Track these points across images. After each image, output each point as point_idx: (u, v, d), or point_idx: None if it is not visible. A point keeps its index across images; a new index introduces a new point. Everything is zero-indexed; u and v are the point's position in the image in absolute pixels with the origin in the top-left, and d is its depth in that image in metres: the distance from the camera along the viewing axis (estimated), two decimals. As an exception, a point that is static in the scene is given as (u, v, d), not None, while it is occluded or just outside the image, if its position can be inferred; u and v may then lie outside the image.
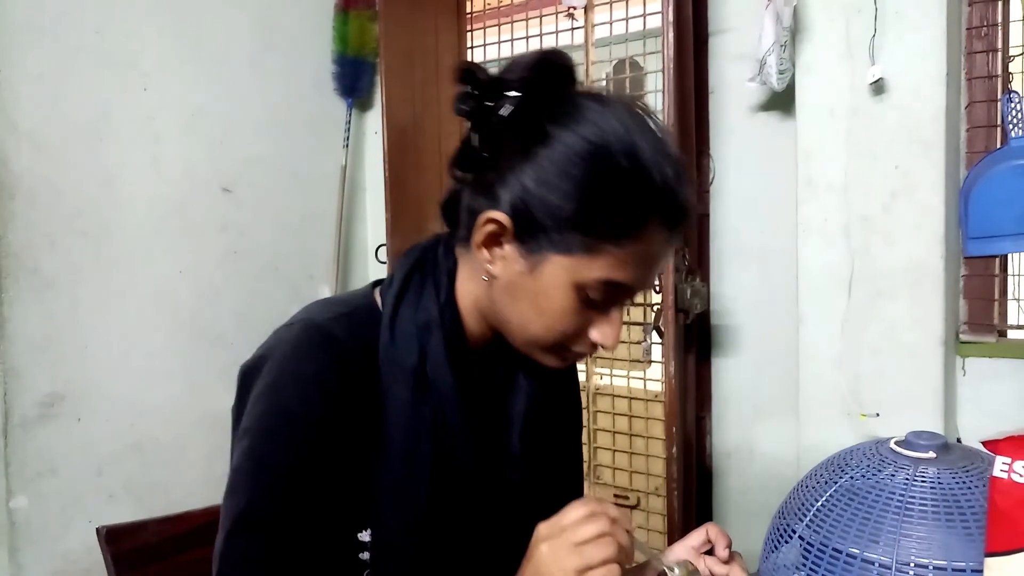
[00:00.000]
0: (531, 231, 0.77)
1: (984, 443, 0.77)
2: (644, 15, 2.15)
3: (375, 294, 0.88)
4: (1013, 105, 1.54)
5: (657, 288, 1.89)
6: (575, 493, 1.02)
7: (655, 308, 2.03)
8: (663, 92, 1.82)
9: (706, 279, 1.95)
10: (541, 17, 2.35)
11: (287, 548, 0.76)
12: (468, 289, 0.85)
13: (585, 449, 1.34)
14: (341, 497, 0.79)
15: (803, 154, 1.67)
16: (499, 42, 2.47)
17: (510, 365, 0.89)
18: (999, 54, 1.61)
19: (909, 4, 1.53)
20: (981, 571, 0.73)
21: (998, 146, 1.59)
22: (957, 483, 0.79)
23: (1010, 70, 1.61)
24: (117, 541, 1.04)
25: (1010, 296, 1.66)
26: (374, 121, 2.49)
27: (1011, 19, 1.60)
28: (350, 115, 2.44)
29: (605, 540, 0.70)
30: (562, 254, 0.76)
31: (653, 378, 2.16)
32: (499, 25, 2.47)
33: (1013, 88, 1.59)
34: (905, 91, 1.54)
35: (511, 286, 0.80)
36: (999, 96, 1.59)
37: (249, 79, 2.24)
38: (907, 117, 1.54)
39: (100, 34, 1.95)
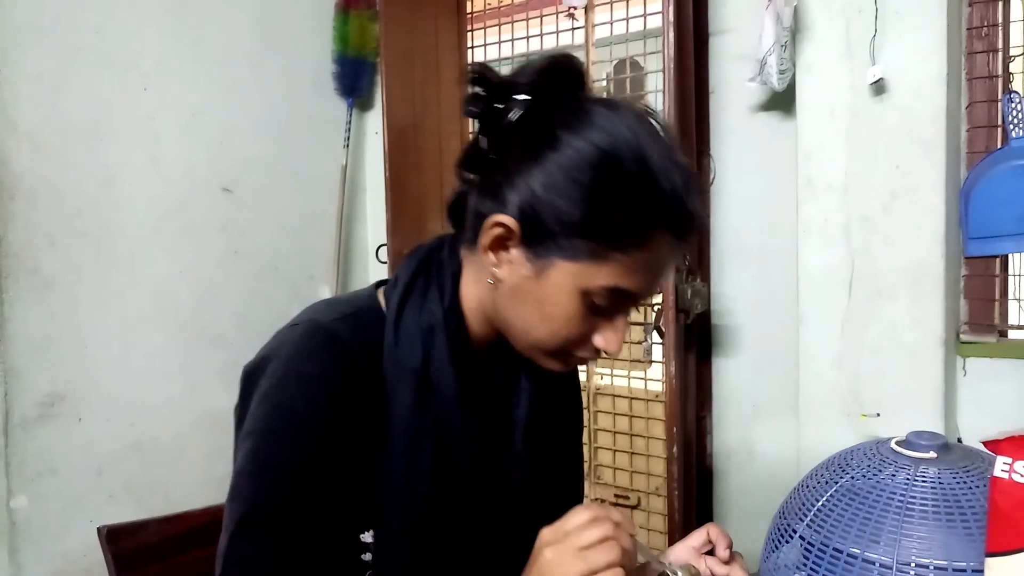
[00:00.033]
0: (538, 236, 0.76)
1: (985, 443, 0.77)
2: (644, 15, 2.15)
3: (379, 295, 0.87)
4: (1014, 105, 1.54)
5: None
6: (576, 494, 1.02)
7: (655, 308, 2.03)
8: (663, 92, 1.82)
9: (706, 279, 1.95)
10: (541, 17, 2.35)
11: (291, 549, 0.76)
12: (472, 291, 0.85)
13: (585, 449, 1.34)
14: (344, 498, 0.79)
15: (803, 154, 1.67)
16: (499, 42, 2.47)
17: (512, 367, 0.89)
18: (999, 54, 1.61)
19: (909, 4, 1.53)
20: (982, 571, 0.73)
21: (998, 146, 1.59)
22: (958, 483, 0.79)
23: (1010, 70, 1.61)
24: (117, 541, 1.04)
25: (1010, 296, 1.66)
26: (374, 121, 2.49)
27: (1011, 19, 1.60)
28: (350, 115, 2.44)
29: (609, 544, 0.70)
30: (569, 260, 0.76)
31: (653, 378, 2.16)
32: (499, 25, 2.47)
33: (1013, 88, 1.59)
34: (905, 91, 1.54)
35: (516, 290, 0.79)
36: (999, 96, 1.59)
37: (249, 79, 2.24)
38: (907, 117, 1.54)
39: (100, 34, 1.95)
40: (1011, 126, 1.54)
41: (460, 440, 0.83)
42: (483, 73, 0.79)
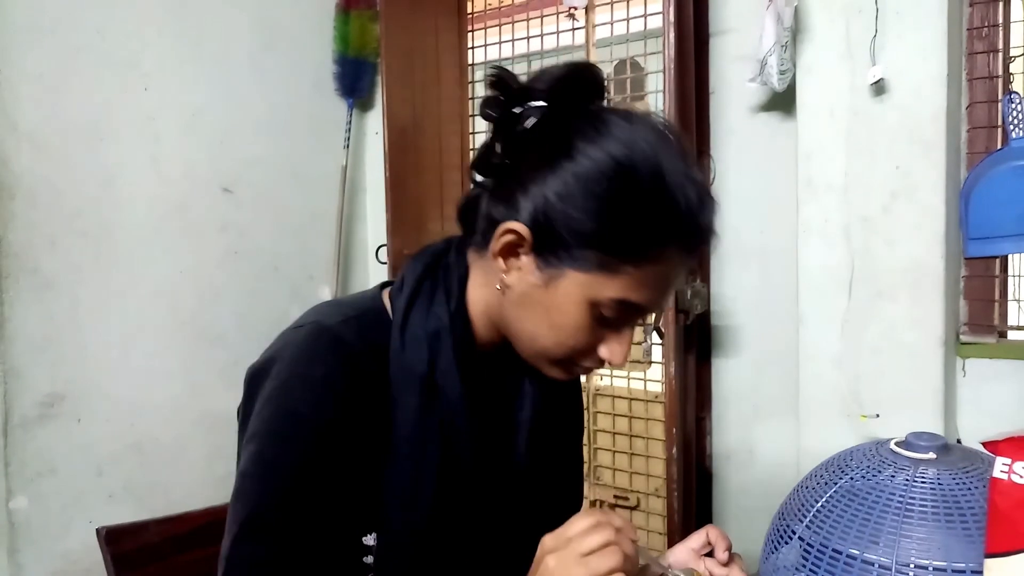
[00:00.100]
0: (550, 245, 0.76)
1: (984, 444, 0.77)
2: (645, 15, 2.15)
3: (383, 297, 0.87)
4: (1014, 106, 1.54)
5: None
6: (576, 498, 1.02)
7: (655, 308, 2.03)
8: (664, 93, 1.82)
9: (706, 280, 1.95)
10: (542, 17, 2.35)
11: (294, 551, 0.76)
12: (479, 295, 0.84)
13: (585, 450, 1.34)
14: (348, 500, 0.79)
15: (803, 154, 1.67)
16: (500, 42, 2.47)
17: (516, 370, 0.89)
18: (1000, 55, 1.61)
19: (910, 4, 1.53)
20: (981, 572, 0.73)
21: (999, 147, 1.59)
22: (957, 484, 0.79)
23: (1011, 71, 1.61)
24: (117, 541, 1.04)
25: (1010, 297, 1.66)
26: (375, 121, 2.49)
27: (1012, 20, 1.60)
28: (351, 115, 2.44)
29: (611, 550, 0.70)
30: (579, 270, 0.76)
31: (653, 379, 2.16)
32: (500, 25, 2.47)
33: (1014, 89, 1.58)
34: (906, 92, 1.54)
35: (525, 298, 0.79)
36: (1000, 97, 1.59)
37: (249, 79, 2.24)
38: (908, 118, 1.54)
39: (100, 34, 1.95)
40: (1011, 127, 1.54)
41: (464, 443, 0.83)
42: (501, 77, 0.79)
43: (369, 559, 0.81)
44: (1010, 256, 1.65)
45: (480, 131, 2.52)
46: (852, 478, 0.84)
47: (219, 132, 2.17)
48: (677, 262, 0.78)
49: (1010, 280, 1.67)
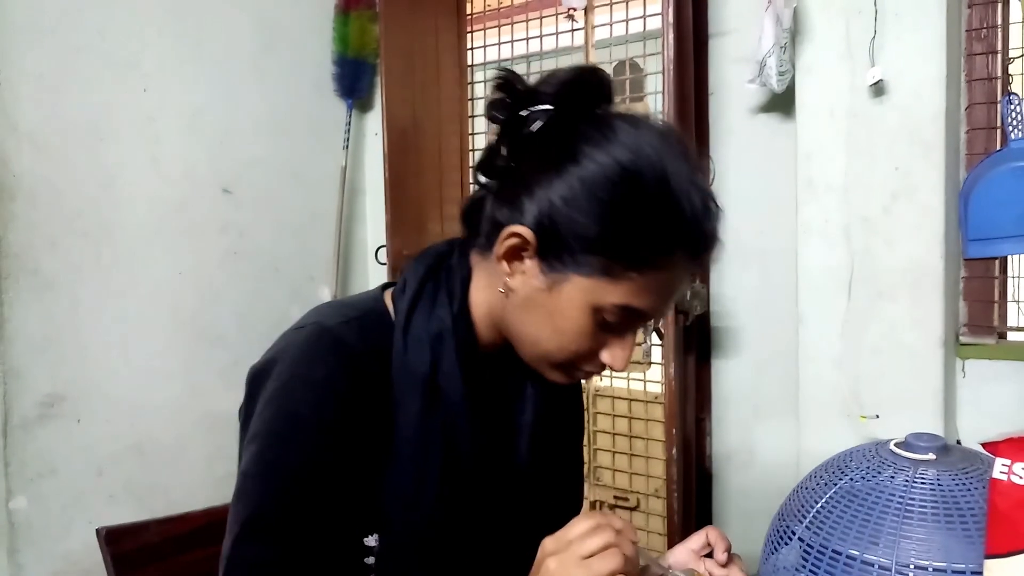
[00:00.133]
0: (555, 249, 0.76)
1: (984, 445, 0.77)
2: (644, 17, 2.15)
3: (385, 298, 0.87)
4: (1013, 107, 1.54)
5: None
6: (576, 499, 1.02)
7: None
8: (663, 94, 1.82)
9: (706, 280, 1.95)
10: (541, 18, 2.35)
11: (295, 552, 0.76)
12: (482, 297, 0.84)
13: (585, 451, 1.34)
14: (349, 501, 0.79)
15: (803, 155, 1.67)
16: (499, 43, 2.47)
17: (518, 373, 0.89)
18: (999, 56, 1.61)
19: (909, 6, 1.53)
20: (981, 573, 0.73)
21: (998, 148, 1.60)
22: (957, 485, 0.80)
23: (1010, 72, 1.61)
24: (117, 542, 1.03)
25: (1010, 298, 1.66)
26: (374, 122, 2.49)
27: (1011, 21, 1.60)
28: (350, 116, 2.44)
29: (611, 552, 0.70)
30: (583, 275, 0.76)
31: (653, 380, 2.16)
32: (499, 26, 2.47)
33: (1013, 90, 1.59)
34: (905, 92, 1.54)
35: (528, 301, 0.79)
36: (999, 98, 1.59)
37: (249, 80, 2.24)
38: (907, 118, 1.55)
39: (100, 34, 1.95)
40: (1010, 128, 1.54)
41: (466, 445, 0.83)
42: (508, 79, 0.79)
43: (370, 560, 0.81)
44: (1010, 257, 1.65)
45: (480, 132, 2.52)
46: (852, 479, 0.84)
47: (219, 133, 2.17)
48: (681, 269, 0.78)
49: (1010, 281, 1.67)
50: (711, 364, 1.99)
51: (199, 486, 2.04)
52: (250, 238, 2.24)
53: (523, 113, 0.78)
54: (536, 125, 0.77)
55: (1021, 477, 0.72)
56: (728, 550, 0.92)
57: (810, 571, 0.80)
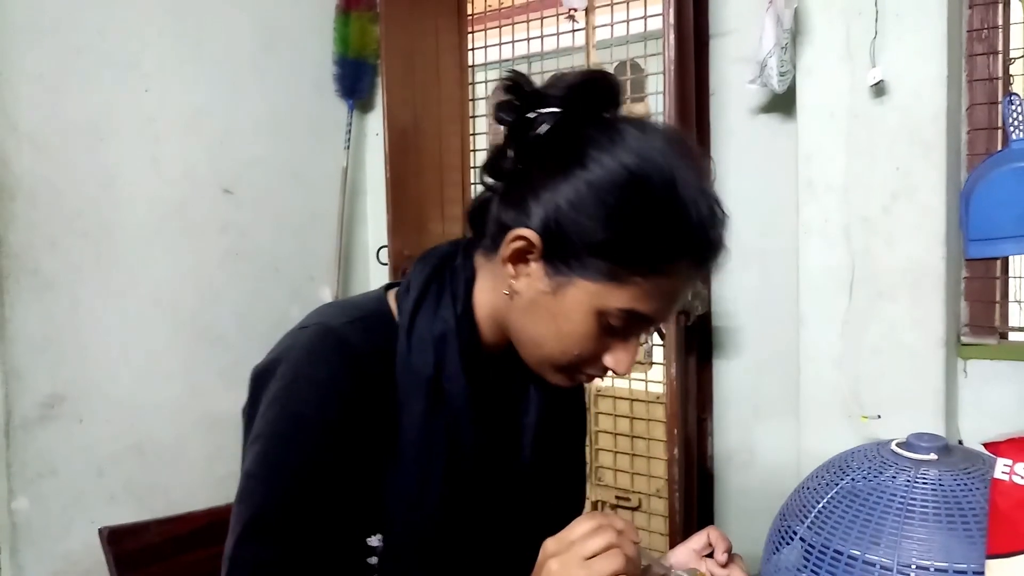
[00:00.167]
0: (560, 253, 0.76)
1: (985, 445, 0.77)
2: (645, 17, 2.15)
3: (388, 299, 0.87)
4: (1014, 107, 1.54)
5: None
6: (578, 500, 1.02)
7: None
8: (664, 94, 1.82)
9: (707, 281, 1.95)
10: (542, 19, 2.35)
11: (298, 553, 0.76)
12: (486, 299, 0.84)
13: (586, 451, 1.34)
14: (353, 502, 0.79)
15: (804, 156, 1.67)
16: (500, 44, 2.47)
17: (522, 374, 0.89)
18: (1000, 56, 1.61)
19: (909, 6, 1.53)
20: (982, 573, 0.73)
21: (999, 148, 1.60)
22: (958, 485, 0.79)
23: (1011, 73, 1.61)
24: (118, 542, 1.04)
25: (1011, 298, 1.66)
26: (375, 122, 2.49)
27: (1012, 22, 1.60)
28: (351, 116, 2.44)
29: (613, 552, 0.70)
30: (588, 279, 0.76)
31: (654, 380, 2.16)
32: (500, 27, 2.47)
33: (1014, 91, 1.59)
34: (906, 93, 1.54)
35: (532, 304, 0.79)
36: (1000, 98, 1.59)
37: (250, 80, 2.24)
38: (908, 119, 1.55)
39: (101, 34, 1.95)
40: (1011, 128, 1.54)
41: (469, 446, 0.83)
42: (516, 81, 0.79)
43: (373, 560, 0.81)
44: (1011, 257, 1.65)
45: (480, 132, 2.52)
46: (853, 479, 0.84)
47: (219, 133, 2.17)
48: (686, 275, 0.78)
49: (1011, 281, 1.67)
50: (712, 364, 1.99)
51: (199, 486, 2.04)
52: (250, 238, 2.24)
53: (531, 115, 0.78)
54: (543, 128, 0.77)
55: (1023, 477, 0.72)
56: (729, 550, 0.92)
57: (811, 571, 0.80)
